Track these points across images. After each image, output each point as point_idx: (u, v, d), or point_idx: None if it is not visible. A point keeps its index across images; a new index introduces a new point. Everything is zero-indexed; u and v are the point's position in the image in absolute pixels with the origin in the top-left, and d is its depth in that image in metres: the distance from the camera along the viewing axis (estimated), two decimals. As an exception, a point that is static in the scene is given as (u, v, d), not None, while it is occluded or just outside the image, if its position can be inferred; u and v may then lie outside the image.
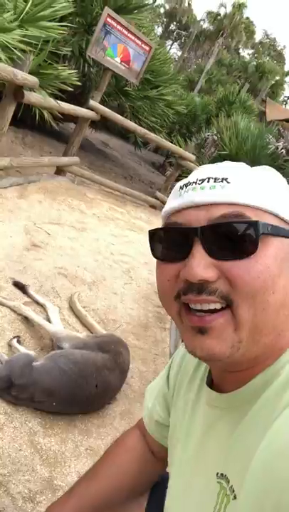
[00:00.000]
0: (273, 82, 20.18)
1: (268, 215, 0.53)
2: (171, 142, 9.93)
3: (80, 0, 5.06)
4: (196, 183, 0.56)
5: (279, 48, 31.75)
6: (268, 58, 31.36)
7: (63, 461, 1.53)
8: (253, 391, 0.55)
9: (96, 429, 1.75)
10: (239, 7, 21.70)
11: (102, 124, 8.04)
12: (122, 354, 1.93)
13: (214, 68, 19.65)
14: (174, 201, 0.59)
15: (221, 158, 6.99)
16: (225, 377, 0.61)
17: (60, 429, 1.65)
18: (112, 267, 3.40)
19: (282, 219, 0.54)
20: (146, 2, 6.47)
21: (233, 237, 0.51)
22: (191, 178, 0.59)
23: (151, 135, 5.41)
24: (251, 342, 0.52)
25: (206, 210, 0.54)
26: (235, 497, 0.50)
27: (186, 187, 0.58)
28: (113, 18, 4.93)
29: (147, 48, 5.42)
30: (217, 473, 0.55)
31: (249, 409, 0.54)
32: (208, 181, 0.55)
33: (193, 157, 5.69)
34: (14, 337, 1.95)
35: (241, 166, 0.59)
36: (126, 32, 5.11)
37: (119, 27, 5.01)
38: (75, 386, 1.69)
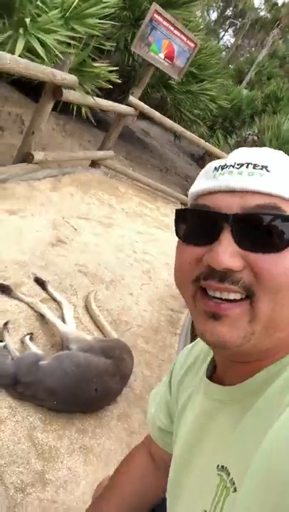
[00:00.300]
0: None
1: None
2: (212, 136, 9.90)
3: (128, -7, 5.06)
4: (233, 166, 0.54)
5: None
6: None
7: (57, 456, 1.66)
8: (258, 384, 0.54)
9: (92, 429, 1.87)
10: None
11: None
12: (125, 360, 2.03)
13: (266, 60, 18.95)
14: (205, 182, 0.57)
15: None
16: (229, 369, 0.60)
17: (58, 426, 1.78)
18: (132, 266, 3.49)
19: None
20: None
21: (266, 229, 0.50)
22: (229, 160, 0.56)
23: (188, 133, 5.41)
24: (265, 335, 0.51)
25: (241, 196, 0.52)
26: (235, 490, 0.50)
27: (221, 169, 0.55)
28: (160, 14, 4.91)
29: (192, 45, 5.36)
30: (217, 466, 0.54)
31: (254, 403, 0.53)
32: (246, 167, 0.53)
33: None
34: (27, 334, 2.08)
35: (281, 155, 0.56)
36: (172, 28, 5.07)
37: (165, 23, 4.98)
38: (76, 388, 1.81)
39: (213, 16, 35.84)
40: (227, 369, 0.61)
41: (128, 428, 1.99)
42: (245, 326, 0.51)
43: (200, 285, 0.55)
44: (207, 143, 5.82)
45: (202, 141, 5.74)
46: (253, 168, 0.53)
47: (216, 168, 0.56)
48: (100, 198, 4.48)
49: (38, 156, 3.64)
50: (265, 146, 5.59)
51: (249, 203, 0.51)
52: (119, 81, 4.10)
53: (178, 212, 0.61)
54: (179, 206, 5.88)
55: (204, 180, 0.57)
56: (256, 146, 5.49)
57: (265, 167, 0.52)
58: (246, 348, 0.52)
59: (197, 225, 0.56)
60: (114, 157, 5.91)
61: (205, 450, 0.60)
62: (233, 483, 0.50)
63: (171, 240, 4.54)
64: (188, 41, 5.31)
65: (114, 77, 4.01)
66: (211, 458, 0.57)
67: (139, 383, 2.29)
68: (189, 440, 0.65)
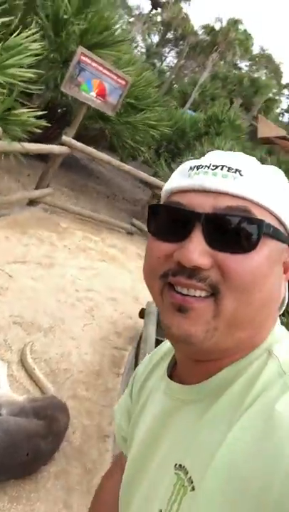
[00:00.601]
0: (268, 97, 20.35)
1: (271, 216, 0.54)
2: (159, 159, 10.15)
3: (55, 35, 5.18)
4: (208, 167, 0.55)
5: (277, 62, 32.06)
6: (265, 71, 31.64)
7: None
8: (219, 384, 0.55)
9: (27, 495, 1.84)
10: (234, 24, 21.89)
11: (88, 141, 8.23)
12: (58, 420, 2.02)
13: (208, 81, 19.81)
14: (180, 180, 0.58)
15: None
16: (190, 367, 0.61)
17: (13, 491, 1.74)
18: (74, 306, 3.49)
19: (282, 223, 0.55)
20: (124, 38, 6.60)
21: (236, 231, 0.52)
22: (204, 161, 0.57)
23: (126, 167, 5.54)
24: (226, 333, 0.52)
25: (214, 197, 0.54)
26: (193, 488, 0.50)
27: (197, 169, 0.56)
28: (87, 56, 5.05)
29: (123, 82, 5.54)
30: (175, 465, 0.55)
31: (214, 403, 0.54)
32: (221, 169, 0.55)
33: (161, 183, 5.82)
34: None
35: (254, 161, 0.59)
36: (101, 68, 5.23)
37: (93, 64, 5.13)
38: (4, 455, 1.77)
39: (155, 39, 37.23)
40: (187, 367, 0.62)
41: (66, 485, 1.97)
42: (210, 320, 0.52)
43: (168, 281, 0.55)
44: (146, 174, 5.96)
45: (141, 174, 5.89)
46: (228, 170, 0.54)
47: (191, 167, 0.57)
48: (40, 236, 4.47)
49: None
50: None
51: (221, 204, 0.53)
52: (49, 125, 4.15)
53: (151, 208, 0.61)
54: (125, 236, 5.97)
55: (179, 179, 0.58)
56: None
57: (239, 171, 0.54)
58: (208, 345, 0.52)
59: (169, 221, 0.56)
60: (54, 192, 5.95)
61: (162, 449, 0.60)
62: (191, 482, 0.51)
63: (116, 272, 4.61)
64: (118, 79, 5.48)
65: (42, 122, 4.06)
66: (168, 457, 0.57)
67: (78, 435, 2.28)
68: (146, 440, 0.64)
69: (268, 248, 0.52)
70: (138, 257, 5.38)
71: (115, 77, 5.36)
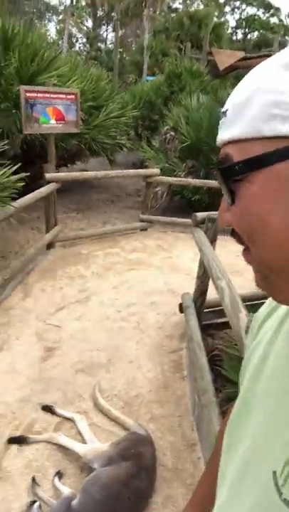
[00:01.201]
0: (213, 24, 18.93)
1: (254, 143, 0.41)
2: (141, 140, 9.87)
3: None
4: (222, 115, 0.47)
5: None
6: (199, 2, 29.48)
7: None
8: None
9: (146, 531, 1.95)
10: None
11: (72, 157, 8.12)
12: (143, 454, 2.09)
13: (152, 40, 18.72)
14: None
15: (185, 150, 6.86)
16: None
17: None
18: (122, 329, 3.55)
19: (276, 136, 0.40)
20: (55, 53, 6.35)
21: (222, 184, 0.46)
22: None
23: (111, 173, 5.44)
24: (278, 281, 0.45)
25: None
26: None
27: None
28: (31, 91, 4.93)
29: (73, 97, 5.37)
30: None
31: None
32: (224, 115, 0.46)
33: (157, 171, 5.66)
34: (55, 474, 2.16)
35: (244, 81, 0.45)
36: (48, 95, 5.09)
37: (39, 95, 5.00)
38: (112, 508, 1.88)
39: (89, 23, 35.54)
40: None
41: (176, 509, 2.06)
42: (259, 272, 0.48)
43: None
44: (132, 170, 5.81)
45: (128, 172, 5.75)
46: (223, 115, 0.46)
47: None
48: (68, 274, 4.54)
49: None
50: (184, 135, 5.42)
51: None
52: (26, 181, 4.12)
53: None
54: (141, 234, 5.91)
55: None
56: (176, 138, 5.39)
57: (225, 112, 0.46)
58: (285, 297, 0.47)
59: None
60: (64, 224, 5.98)
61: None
62: None
63: (146, 275, 4.60)
64: (67, 96, 5.32)
65: (18, 183, 4.07)
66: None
67: (169, 455, 2.35)
68: (263, 403, 0.51)
69: (258, 183, 0.41)
70: (159, 248, 5.34)
71: (64, 96, 5.22)
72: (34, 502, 1.95)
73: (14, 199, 4.20)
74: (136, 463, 2.04)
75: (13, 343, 3.30)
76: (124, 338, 3.41)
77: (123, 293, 4.18)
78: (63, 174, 5.00)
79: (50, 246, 5.10)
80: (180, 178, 5.84)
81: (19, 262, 4.33)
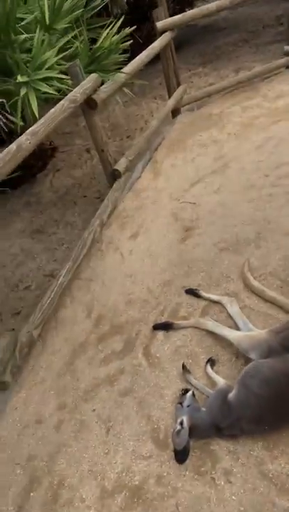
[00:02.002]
0: None
1: None
2: None
3: None
4: None
5: None
6: None
7: (300, 482, 1.54)
8: None
9: None
10: None
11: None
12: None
13: None
14: None
15: None
16: None
17: (284, 445, 1.65)
18: (272, 196, 2.97)
19: None
20: None
21: None
22: None
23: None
24: None
25: None
26: None
27: None
28: None
29: None
30: None
31: None
32: None
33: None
34: (207, 361, 2.02)
35: None
36: None
37: None
38: (278, 406, 1.63)
39: None
40: None
41: None
42: None
43: None
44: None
45: None
46: None
47: None
48: (200, 141, 3.98)
49: (121, 164, 3.50)
50: None
51: None
52: (139, 41, 3.53)
53: None
54: (286, 74, 4.71)
55: None
56: None
57: None
58: None
59: None
60: (189, 84, 5.21)
61: None
62: None
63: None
64: None
65: (126, 43, 3.51)
66: None
67: None
68: None
69: None
70: (316, 85, 4.17)
71: None
72: (187, 390, 1.85)
73: (125, 64, 3.70)
74: (304, 355, 1.69)
75: (149, 226, 3.13)
76: (277, 207, 2.85)
77: (270, 152, 3.46)
78: (177, 17, 4.08)
79: (175, 113, 4.53)
80: None
81: (143, 139, 3.97)
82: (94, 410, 2.00)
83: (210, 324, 2.16)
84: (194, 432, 1.70)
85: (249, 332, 2.01)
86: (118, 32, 3.69)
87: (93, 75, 3.17)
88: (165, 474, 1.67)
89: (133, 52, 3.83)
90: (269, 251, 2.53)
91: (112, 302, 2.59)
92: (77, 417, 2.01)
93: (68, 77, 3.22)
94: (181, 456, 1.67)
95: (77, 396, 2.11)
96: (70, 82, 3.23)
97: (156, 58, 4.51)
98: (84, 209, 3.82)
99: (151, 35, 4.78)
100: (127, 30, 3.72)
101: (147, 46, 3.90)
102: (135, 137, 4.69)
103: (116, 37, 3.65)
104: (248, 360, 1.86)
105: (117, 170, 3.55)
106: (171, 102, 4.33)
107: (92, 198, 3.96)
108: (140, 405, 1.95)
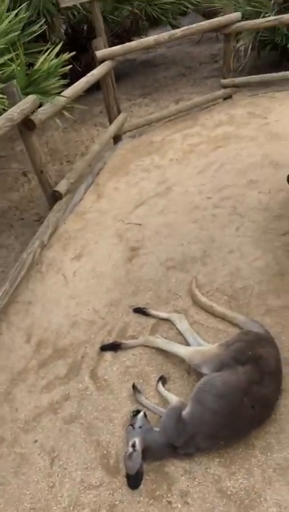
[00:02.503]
0: None
1: None
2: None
3: None
4: None
5: None
6: None
7: (258, 495, 1.53)
8: None
9: (276, 438, 1.70)
10: None
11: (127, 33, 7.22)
12: (263, 356, 1.77)
13: None
14: None
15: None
16: None
17: (241, 460, 1.65)
18: (215, 217, 3.12)
19: None
20: None
21: None
22: None
23: (177, 32, 4.52)
24: None
25: None
26: None
27: None
28: None
29: None
30: None
31: None
32: None
33: (237, 15, 4.59)
34: (158, 379, 1.99)
35: None
36: None
37: None
38: (233, 420, 1.64)
39: None
40: None
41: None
42: None
43: None
44: (205, 21, 4.78)
45: (203, 24, 4.74)
46: None
47: None
48: (143, 166, 4.12)
49: (62, 186, 3.49)
50: None
51: None
52: (78, 68, 3.64)
53: None
54: (225, 104, 5.10)
55: None
56: None
57: None
58: None
59: None
60: (129, 113, 5.44)
61: None
62: None
63: (239, 150, 3.98)
64: None
65: (65, 57, 3.60)
66: None
67: (295, 351, 2.01)
68: None
69: None
70: (250, 116, 4.54)
71: None
72: (138, 411, 1.80)
73: (64, 89, 3.78)
74: (255, 367, 1.73)
75: (93, 247, 3.11)
76: (220, 227, 2.99)
77: (211, 176, 3.66)
78: (116, 47, 4.30)
79: (117, 139, 4.67)
80: (270, 18, 4.70)
81: (85, 162, 4.02)
82: (36, 441, 1.87)
83: (160, 342, 2.16)
84: (148, 453, 1.65)
85: (200, 347, 2.03)
86: (57, 57, 3.80)
87: (31, 96, 3.20)
88: (117, 502, 1.58)
89: (72, 80, 3.95)
90: (215, 268, 2.62)
91: (54, 325, 2.50)
92: (16, 450, 1.86)
93: (5, 96, 3.22)
94: (134, 481, 1.60)
95: (16, 428, 1.96)
96: (6, 102, 3.22)
97: (96, 88, 4.70)
98: (21, 232, 3.72)
99: (90, 66, 4.98)
100: (66, 55, 3.84)
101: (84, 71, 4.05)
102: (75, 162, 4.73)
103: (55, 61, 3.74)
104: (199, 376, 1.87)
105: (57, 191, 3.53)
106: (112, 128, 4.47)
107: (31, 220, 3.88)
108: (88, 431, 1.86)
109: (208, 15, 7.33)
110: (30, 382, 2.17)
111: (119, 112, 4.77)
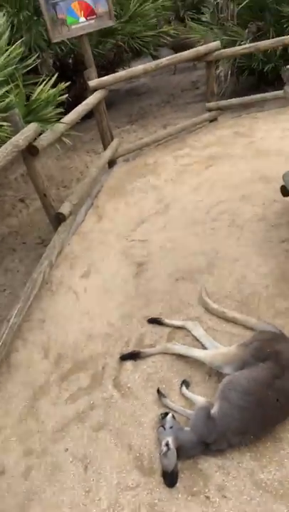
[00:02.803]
0: None
1: None
2: (184, 27, 8.78)
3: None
4: None
5: None
6: None
7: (293, 484, 1.58)
8: None
9: (302, 429, 1.76)
10: None
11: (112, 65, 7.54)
12: (282, 352, 1.85)
13: None
14: None
15: (245, 13, 5.86)
16: None
17: (271, 453, 1.70)
18: (215, 230, 3.25)
19: None
20: None
21: None
22: None
23: (163, 61, 4.79)
24: None
25: None
26: None
27: None
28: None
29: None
30: None
31: None
32: None
33: (216, 44, 4.90)
34: (181, 383, 2.05)
35: None
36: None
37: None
38: (261, 413, 1.71)
39: None
40: None
41: None
42: None
43: None
44: (185, 52, 5.06)
45: (178, 57, 5.00)
46: None
47: None
48: (140, 187, 4.26)
49: (65, 208, 3.60)
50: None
51: None
52: (69, 100, 3.84)
53: None
54: (211, 126, 5.34)
55: None
56: (230, 5, 4.58)
57: None
58: None
59: None
60: (121, 138, 5.63)
61: None
62: None
63: (229, 167, 4.15)
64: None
65: (61, 96, 3.79)
66: None
67: (309, 347, 2.10)
68: None
69: None
70: (236, 136, 4.77)
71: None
72: (166, 414, 1.85)
73: (61, 117, 3.95)
74: (276, 362, 1.81)
75: (100, 265, 3.19)
76: (221, 239, 3.12)
77: (206, 193, 3.82)
78: (107, 77, 4.52)
79: (111, 164, 4.83)
80: (246, 45, 5.02)
81: (83, 185, 4.15)
82: (66, 450, 1.89)
83: (178, 348, 2.22)
84: (181, 451, 1.69)
85: (219, 350, 2.11)
86: (53, 87, 3.98)
87: (33, 124, 3.33)
88: (156, 501, 1.61)
89: (65, 110, 4.12)
90: (222, 277, 2.73)
91: (71, 340, 2.54)
92: (47, 460, 1.87)
93: (8, 124, 3.34)
94: (170, 479, 1.64)
95: (44, 439, 1.97)
96: (8, 130, 3.35)
97: (86, 116, 4.88)
98: (25, 255, 3.78)
99: (80, 97, 5.19)
100: (63, 85, 4.01)
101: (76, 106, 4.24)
102: (72, 187, 4.85)
103: (53, 90, 3.91)
104: (221, 377, 1.93)
105: (61, 213, 3.63)
106: (107, 153, 4.63)
107: (33, 244, 3.94)
108: (118, 437, 1.89)
109: (177, 48, 7.79)
110: (53, 394, 2.20)
111: (112, 138, 4.95)
